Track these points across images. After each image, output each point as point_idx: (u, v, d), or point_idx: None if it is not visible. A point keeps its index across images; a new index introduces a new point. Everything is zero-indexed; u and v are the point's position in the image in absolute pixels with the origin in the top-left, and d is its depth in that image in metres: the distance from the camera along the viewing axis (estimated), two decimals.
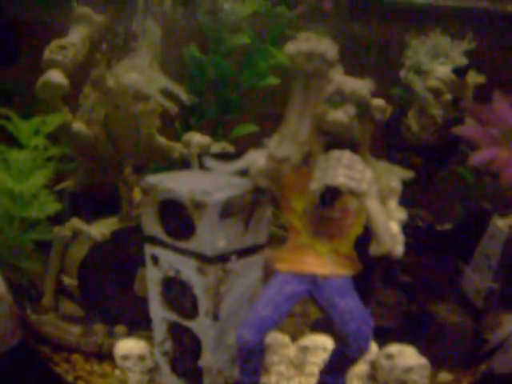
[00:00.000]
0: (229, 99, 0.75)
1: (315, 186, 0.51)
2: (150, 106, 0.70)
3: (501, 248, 0.68)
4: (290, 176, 0.55)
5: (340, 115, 0.53)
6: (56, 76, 0.67)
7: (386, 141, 0.76)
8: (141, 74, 0.69)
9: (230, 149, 0.72)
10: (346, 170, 0.51)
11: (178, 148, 0.73)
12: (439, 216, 0.77)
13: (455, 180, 0.73)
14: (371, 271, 0.74)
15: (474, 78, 0.72)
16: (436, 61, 0.71)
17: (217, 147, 0.71)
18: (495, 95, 0.62)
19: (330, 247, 0.56)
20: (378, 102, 0.66)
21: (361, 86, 0.54)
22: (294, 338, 0.71)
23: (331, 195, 0.52)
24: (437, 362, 0.73)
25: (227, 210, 0.56)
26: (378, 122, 0.67)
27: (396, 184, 0.58)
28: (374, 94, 0.62)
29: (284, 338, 0.70)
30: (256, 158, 0.55)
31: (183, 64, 0.76)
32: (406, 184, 0.72)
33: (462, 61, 0.71)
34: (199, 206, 0.55)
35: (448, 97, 0.71)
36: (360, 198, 0.51)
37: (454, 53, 0.71)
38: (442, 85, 0.70)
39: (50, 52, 0.69)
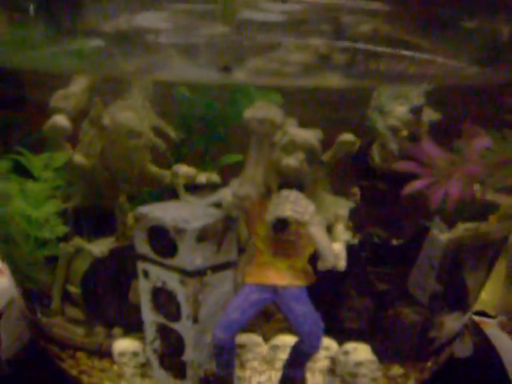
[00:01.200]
0: (215, 133, 0.81)
1: (269, 217, 0.63)
2: (141, 141, 0.77)
3: (440, 255, 0.77)
4: (255, 207, 0.66)
5: (292, 161, 0.64)
6: (61, 120, 0.76)
7: (355, 169, 0.83)
8: (134, 113, 0.76)
9: (215, 178, 0.78)
10: (292, 205, 0.62)
11: (167, 175, 0.79)
12: (398, 232, 0.84)
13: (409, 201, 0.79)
14: (344, 281, 0.81)
15: (430, 115, 0.78)
16: (396, 102, 0.78)
17: (202, 177, 0.78)
18: (423, 137, 0.74)
19: (287, 264, 0.67)
20: (348, 136, 0.76)
21: (310, 136, 0.64)
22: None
23: (282, 224, 0.64)
24: (390, 358, 0.81)
25: (203, 235, 0.67)
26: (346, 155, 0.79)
27: (342, 212, 0.70)
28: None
29: (258, 339, 0.78)
30: (226, 194, 0.68)
31: (173, 102, 0.81)
32: (373, 206, 0.83)
33: (420, 101, 0.77)
34: (180, 231, 0.66)
35: (405, 133, 0.77)
36: (304, 227, 0.63)
37: (414, 94, 0.77)
38: (400, 123, 0.77)
39: (56, 100, 0.77)
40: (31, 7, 0.79)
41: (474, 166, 0.71)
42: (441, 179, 0.71)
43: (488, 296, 1.15)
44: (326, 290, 0.76)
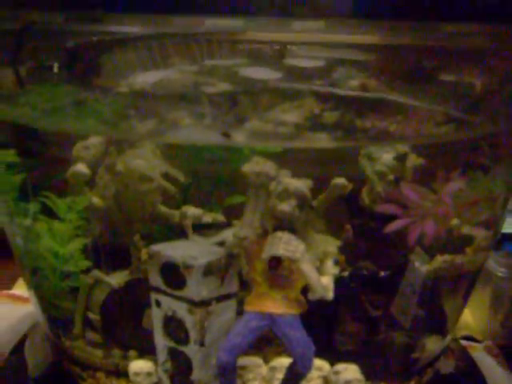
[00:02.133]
0: (220, 176, 0.88)
1: (264, 256, 0.72)
2: (153, 186, 0.86)
3: (420, 284, 0.84)
4: (253, 247, 0.75)
5: (285, 207, 0.73)
6: (81, 168, 0.85)
7: (348, 209, 0.90)
8: (145, 161, 0.85)
9: (220, 218, 0.86)
10: (284, 245, 0.72)
11: (177, 214, 0.87)
12: (385, 265, 0.90)
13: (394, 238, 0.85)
14: (337, 309, 0.88)
15: (414, 161, 0.86)
16: (383, 149, 0.86)
17: (208, 217, 0.85)
18: (402, 184, 0.84)
19: (282, 294, 0.75)
20: (340, 180, 0.85)
21: (301, 185, 0.73)
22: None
23: (276, 262, 0.73)
24: (377, 376, 0.88)
25: (208, 270, 0.76)
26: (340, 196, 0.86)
27: (330, 249, 0.80)
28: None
29: (258, 361, 0.85)
30: (228, 235, 0.78)
31: (182, 149, 0.87)
32: (363, 242, 0.92)
33: (404, 149, 0.85)
34: (188, 267, 0.76)
35: (391, 177, 0.86)
36: (295, 263, 0.73)
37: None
38: (386, 169, 0.85)
39: (77, 150, 0.86)
40: (55, 66, 0.88)
41: (446, 207, 0.80)
42: (417, 219, 0.80)
43: (475, 322, 1.22)
44: (321, 317, 0.83)
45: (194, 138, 0.78)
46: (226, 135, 0.71)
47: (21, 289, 1.23)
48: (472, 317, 1.21)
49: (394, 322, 0.89)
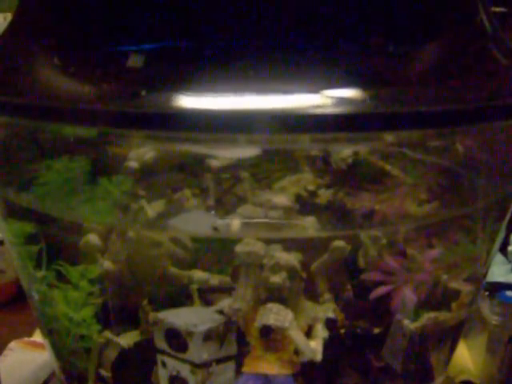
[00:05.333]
0: (226, 250, 0.90)
1: (257, 324, 0.80)
2: (162, 250, 0.93)
3: (407, 340, 0.91)
4: (247, 316, 0.83)
5: (277, 279, 0.82)
6: (93, 239, 0.92)
7: (347, 271, 0.95)
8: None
9: (226, 281, 0.91)
10: (274, 314, 0.80)
11: (186, 276, 0.93)
12: (379, 323, 0.96)
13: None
14: (341, 361, 0.93)
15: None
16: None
17: (215, 280, 0.92)
18: (384, 253, 0.91)
19: (275, 357, 0.83)
20: (339, 243, 0.91)
21: (291, 258, 0.82)
22: None
23: (266, 330, 0.81)
24: None
25: (208, 336, 0.83)
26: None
27: (320, 315, 0.88)
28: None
29: None
30: (226, 305, 0.86)
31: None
32: (361, 301, 0.99)
33: None
34: (190, 333, 0.83)
35: (383, 242, 0.91)
36: (284, 331, 0.81)
37: None
38: (379, 233, 0.91)
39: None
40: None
41: (425, 273, 0.88)
42: (399, 285, 0.88)
43: (474, 366, 1.27)
44: (321, 371, 0.91)
45: (188, 229, 0.85)
46: (215, 229, 0.79)
47: (41, 336, 1.27)
48: (471, 361, 1.26)
49: (389, 372, 0.94)
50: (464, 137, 0.84)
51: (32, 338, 1.33)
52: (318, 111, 0.60)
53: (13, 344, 1.30)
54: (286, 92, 0.63)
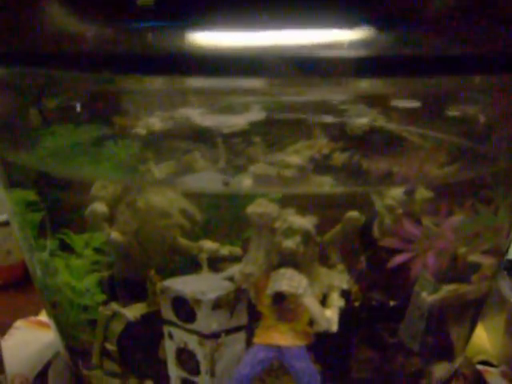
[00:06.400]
0: (238, 212, 0.86)
1: (269, 291, 0.75)
2: (171, 221, 0.89)
3: (426, 314, 0.87)
4: (259, 282, 0.79)
5: (290, 244, 0.77)
6: (99, 207, 0.88)
7: (361, 242, 0.91)
8: (164, 198, 0.89)
9: (237, 251, 0.88)
10: (287, 280, 0.75)
11: (195, 247, 0.89)
12: (395, 295, 0.93)
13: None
14: (355, 335, 0.90)
15: (423, 194, 0.86)
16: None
17: (225, 250, 0.88)
18: (404, 219, 0.87)
19: (289, 327, 0.78)
20: (353, 213, 0.87)
21: (306, 222, 0.77)
22: None
23: (279, 297, 0.76)
24: None
25: (217, 305, 0.79)
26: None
27: (336, 283, 0.84)
28: None
29: None
30: (236, 271, 0.82)
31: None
32: (376, 273, 0.95)
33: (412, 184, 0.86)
34: (197, 301, 0.79)
35: (399, 211, 0.87)
36: (298, 298, 0.76)
37: None
38: (395, 203, 0.86)
39: (96, 190, 0.89)
40: (78, 105, 0.92)
41: (447, 241, 0.83)
42: (419, 253, 0.83)
43: (491, 346, 1.23)
44: (335, 345, 0.86)
45: (198, 186, 0.80)
46: (226, 184, 0.75)
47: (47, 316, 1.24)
48: (489, 342, 1.22)
49: (405, 349, 0.91)
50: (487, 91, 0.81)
51: (38, 317, 1.31)
52: (333, 53, 0.56)
53: (18, 323, 1.29)
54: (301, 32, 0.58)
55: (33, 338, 1.22)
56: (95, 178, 0.90)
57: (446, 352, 0.98)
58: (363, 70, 0.58)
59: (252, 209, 0.76)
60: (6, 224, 1.33)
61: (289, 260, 0.76)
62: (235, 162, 0.83)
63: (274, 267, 0.77)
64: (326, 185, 0.79)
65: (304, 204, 0.81)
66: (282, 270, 0.76)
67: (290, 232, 0.76)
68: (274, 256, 0.77)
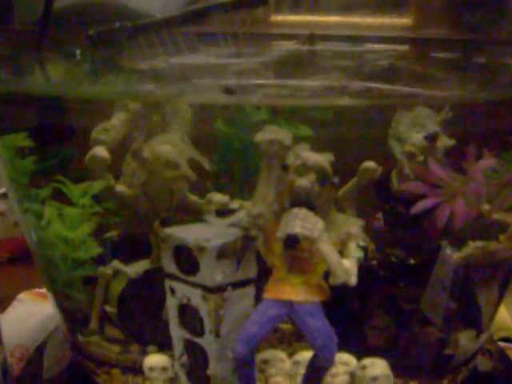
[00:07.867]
0: (252, 164, 0.85)
1: (279, 234, 0.66)
2: (179, 172, 0.83)
3: (452, 273, 0.79)
4: (269, 225, 0.70)
5: (303, 182, 0.68)
6: (100, 151, 0.81)
7: (377, 194, 0.86)
8: (172, 147, 0.83)
9: (248, 205, 0.79)
10: (301, 222, 0.66)
11: (204, 199, 0.84)
12: (415, 252, 0.88)
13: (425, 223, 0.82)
14: (371, 300, 0.84)
15: (445, 141, 0.82)
16: (413, 130, 0.81)
17: (235, 204, 0.82)
18: (430, 160, 0.78)
19: (302, 280, 0.70)
20: (369, 163, 0.82)
21: (321, 159, 0.68)
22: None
23: (292, 241, 0.67)
24: (408, 374, 0.83)
25: (222, 253, 0.71)
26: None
27: (354, 230, 0.74)
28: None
29: (281, 354, 0.80)
30: (244, 214, 0.73)
31: (213, 136, 0.87)
32: (394, 229, 0.87)
33: (434, 129, 0.81)
34: (201, 249, 0.71)
35: (420, 159, 0.81)
36: (313, 243, 0.67)
37: (430, 122, 0.81)
38: (416, 149, 0.81)
39: (96, 133, 0.83)
40: (78, 52, 0.86)
41: (477, 185, 0.74)
42: (447, 199, 0.75)
43: None
44: (349, 308, 0.80)
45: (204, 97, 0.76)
46: (229, 91, 0.67)
47: None
48: (510, 318, 1.17)
49: (425, 316, 0.84)
50: None
51: (42, 289, 1.26)
52: None
53: (22, 295, 1.26)
54: None
55: (36, 309, 1.18)
56: (95, 96, 0.86)
57: (472, 321, 0.90)
58: None
59: (261, 136, 0.68)
60: None
61: (302, 201, 0.67)
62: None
63: (286, 209, 0.68)
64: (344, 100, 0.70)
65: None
66: (296, 210, 0.67)
67: (303, 169, 0.67)
68: (285, 197, 0.68)
